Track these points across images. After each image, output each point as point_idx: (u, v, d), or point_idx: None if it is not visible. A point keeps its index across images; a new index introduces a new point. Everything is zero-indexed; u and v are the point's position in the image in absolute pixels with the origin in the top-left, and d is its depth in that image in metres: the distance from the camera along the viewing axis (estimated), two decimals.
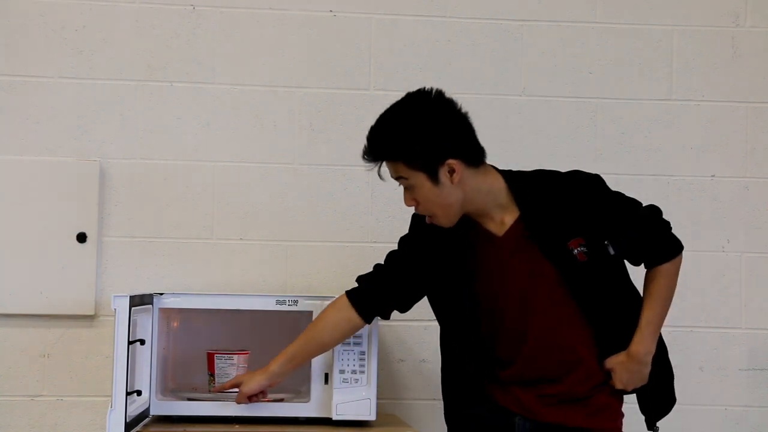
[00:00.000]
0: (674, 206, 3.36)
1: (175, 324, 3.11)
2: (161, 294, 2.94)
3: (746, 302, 3.39)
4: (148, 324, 2.87)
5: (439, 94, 2.57)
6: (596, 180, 2.64)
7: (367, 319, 2.75)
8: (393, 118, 2.56)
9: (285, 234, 3.31)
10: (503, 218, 2.61)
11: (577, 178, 2.63)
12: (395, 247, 3.22)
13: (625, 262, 2.67)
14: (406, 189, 2.58)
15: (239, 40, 3.33)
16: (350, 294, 2.74)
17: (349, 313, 2.73)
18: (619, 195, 2.66)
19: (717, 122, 3.43)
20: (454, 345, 2.69)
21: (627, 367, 2.59)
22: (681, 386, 3.37)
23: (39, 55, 3.27)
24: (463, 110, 2.58)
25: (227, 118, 3.32)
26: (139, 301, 2.77)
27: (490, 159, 3.37)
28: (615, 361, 2.59)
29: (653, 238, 2.63)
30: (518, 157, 3.36)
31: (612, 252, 2.60)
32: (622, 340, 2.61)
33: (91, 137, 3.27)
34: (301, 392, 2.96)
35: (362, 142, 3.32)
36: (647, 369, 2.61)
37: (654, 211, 2.66)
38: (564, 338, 2.59)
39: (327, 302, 2.91)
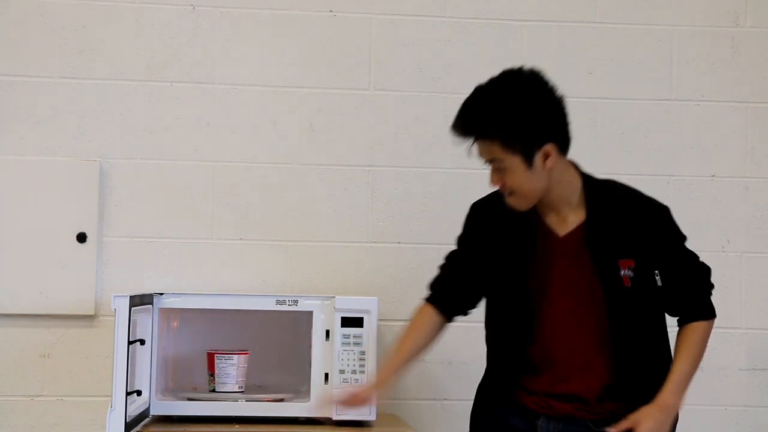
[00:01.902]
0: (674, 206, 3.34)
1: (175, 324, 3.12)
2: (161, 294, 2.94)
3: (746, 302, 3.39)
4: (148, 324, 2.87)
5: (539, 74, 2.50)
6: (666, 211, 2.61)
7: (450, 319, 2.71)
8: (493, 95, 2.47)
9: (285, 234, 3.31)
10: (569, 217, 2.55)
11: (650, 201, 2.60)
12: (395, 247, 3.25)
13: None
14: (495, 170, 2.50)
15: (239, 40, 3.33)
16: (431, 300, 2.70)
17: (436, 318, 2.68)
18: (682, 236, 2.63)
19: (717, 122, 3.43)
20: (495, 341, 2.65)
21: (654, 416, 2.48)
22: None
23: (39, 55, 3.27)
24: (559, 94, 2.51)
25: (227, 118, 3.32)
26: (139, 301, 2.77)
27: None
28: (643, 412, 2.48)
29: (698, 290, 2.61)
30: None
31: (659, 283, 2.55)
32: (637, 380, 2.53)
33: (91, 137, 3.27)
34: (301, 392, 2.96)
35: (362, 142, 3.34)
36: (669, 423, 2.52)
37: (707, 269, 2.64)
38: (586, 359, 2.53)
39: (327, 302, 2.92)
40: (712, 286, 2.66)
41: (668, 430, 2.52)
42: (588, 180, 2.59)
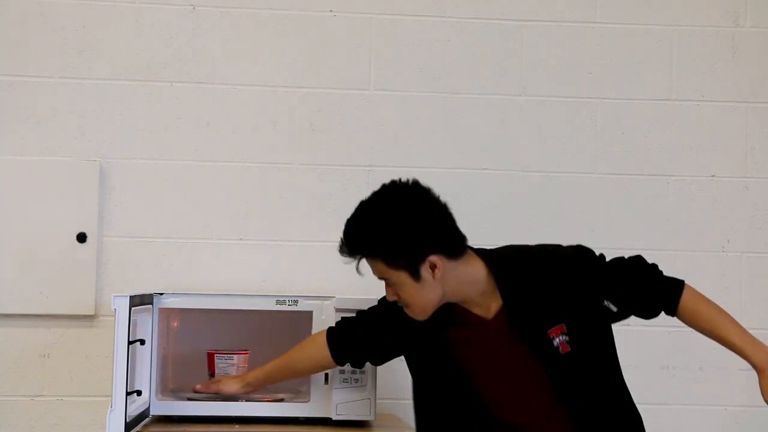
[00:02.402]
0: (674, 206, 3.37)
1: (175, 324, 3.11)
2: (161, 294, 2.94)
3: (746, 302, 3.39)
4: (148, 324, 2.87)
5: (416, 185, 2.50)
6: (577, 253, 2.57)
7: (340, 363, 2.74)
8: (371, 215, 2.49)
9: (285, 234, 3.31)
10: (489, 305, 2.53)
11: (558, 255, 2.56)
12: None
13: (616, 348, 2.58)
14: (388, 285, 2.52)
15: (239, 40, 3.33)
16: (329, 335, 2.73)
17: (325, 352, 2.73)
18: (602, 259, 2.58)
19: (717, 122, 3.43)
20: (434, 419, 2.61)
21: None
22: (681, 386, 3.38)
23: (39, 55, 3.27)
24: (441, 200, 2.51)
25: (227, 118, 3.32)
26: (139, 301, 2.77)
27: (492, 158, 3.37)
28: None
29: (652, 281, 2.57)
30: (518, 157, 3.36)
31: (614, 309, 2.51)
32: None
33: (91, 137, 3.27)
34: (301, 392, 2.96)
35: (362, 142, 3.34)
36: None
37: (639, 259, 2.59)
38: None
39: (327, 302, 2.92)
40: (655, 265, 2.60)
41: None
42: (493, 262, 2.53)
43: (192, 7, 3.32)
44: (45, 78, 3.27)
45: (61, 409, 3.22)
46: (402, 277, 2.47)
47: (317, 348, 2.75)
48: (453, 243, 2.49)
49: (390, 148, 3.34)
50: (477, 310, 2.54)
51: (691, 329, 3.36)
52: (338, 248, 2.54)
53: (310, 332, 2.92)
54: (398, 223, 2.45)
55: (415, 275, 2.46)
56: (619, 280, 2.55)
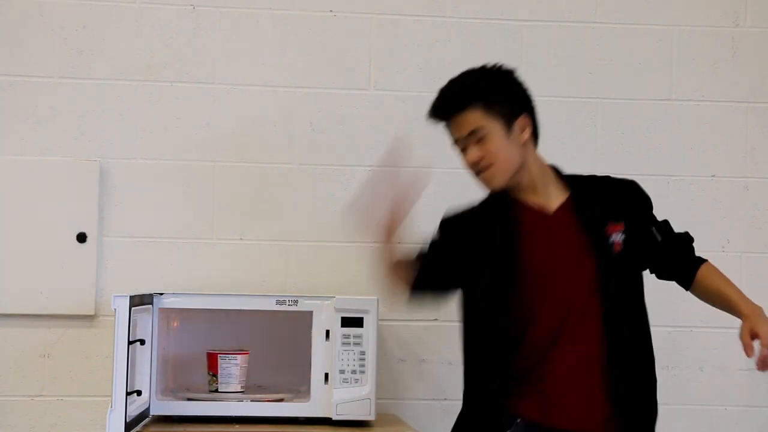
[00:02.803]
0: (674, 206, 3.36)
1: (175, 324, 3.12)
2: (161, 294, 2.94)
3: None
4: (148, 324, 2.87)
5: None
6: (637, 183, 2.68)
7: (414, 294, 2.71)
8: (472, 71, 2.61)
9: (285, 234, 3.31)
10: (551, 197, 2.60)
11: (620, 178, 2.68)
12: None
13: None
14: (473, 144, 2.56)
15: (239, 40, 3.33)
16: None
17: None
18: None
19: (717, 122, 3.43)
20: (479, 345, 2.65)
21: (762, 316, 2.48)
22: (681, 386, 3.38)
23: (39, 55, 3.28)
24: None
25: (227, 118, 3.32)
26: (139, 301, 2.77)
27: None
28: (756, 322, 2.46)
29: (690, 243, 2.67)
30: None
31: (659, 238, 2.61)
32: (625, 354, 2.52)
33: (91, 137, 3.27)
34: (301, 392, 2.96)
35: (362, 141, 3.34)
36: None
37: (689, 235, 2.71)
38: (589, 339, 2.52)
39: (327, 302, 2.92)
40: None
41: None
42: (557, 169, 2.67)
43: (192, 7, 3.32)
44: (45, 78, 3.27)
45: (61, 409, 3.22)
46: (495, 128, 2.54)
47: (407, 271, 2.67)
48: (538, 128, 2.62)
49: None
50: (540, 201, 2.59)
51: (690, 329, 3.38)
52: (429, 112, 2.61)
53: (310, 332, 2.92)
54: (503, 74, 2.61)
55: (509, 126, 2.54)
56: (666, 224, 2.66)
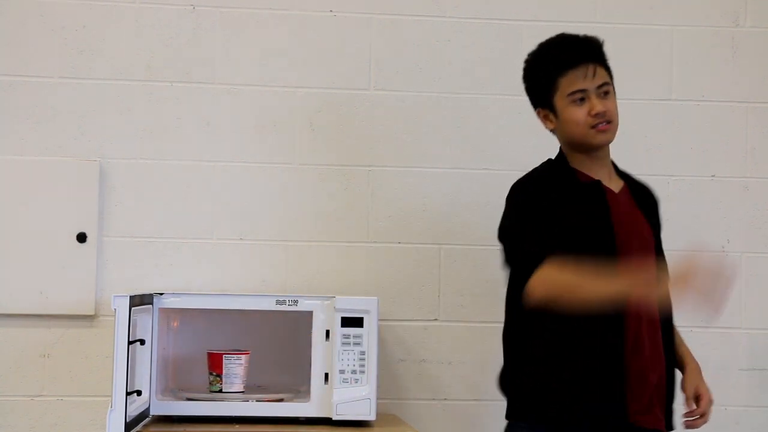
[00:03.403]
0: (674, 206, 3.36)
1: (175, 324, 3.12)
2: (161, 294, 2.94)
3: (746, 302, 3.39)
4: (148, 324, 2.87)
5: None
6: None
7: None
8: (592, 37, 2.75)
9: (285, 234, 3.31)
10: (614, 179, 2.76)
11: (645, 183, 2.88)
12: (394, 247, 3.25)
13: None
14: (599, 97, 2.66)
15: (239, 40, 3.33)
16: (539, 264, 2.58)
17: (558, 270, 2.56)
18: None
19: (717, 122, 3.43)
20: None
21: (704, 381, 2.79)
22: None
23: (39, 55, 3.27)
24: None
25: (227, 118, 3.32)
26: (139, 301, 2.77)
27: (491, 158, 3.37)
28: (700, 383, 2.76)
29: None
30: (518, 157, 3.36)
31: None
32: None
33: (91, 137, 3.27)
34: (301, 392, 2.96)
35: (362, 142, 3.33)
36: None
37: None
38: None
39: (327, 302, 2.92)
40: None
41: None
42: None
43: (192, 7, 3.32)
44: (45, 78, 3.27)
45: (61, 409, 3.22)
46: (613, 91, 2.71)
47: (556, 273, 2.55)
48: None
49: (390, 148, 3.35)
50: (606, 181, 2.73)
51: (690, 329, 3.37)
52: (572, 53, 2.69)
53: (310, 332, 2.92)
54: None
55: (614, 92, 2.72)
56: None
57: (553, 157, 2.79)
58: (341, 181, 3.33)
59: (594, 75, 2.66)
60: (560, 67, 2.67)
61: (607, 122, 2.67)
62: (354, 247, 3.31)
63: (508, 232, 2.72)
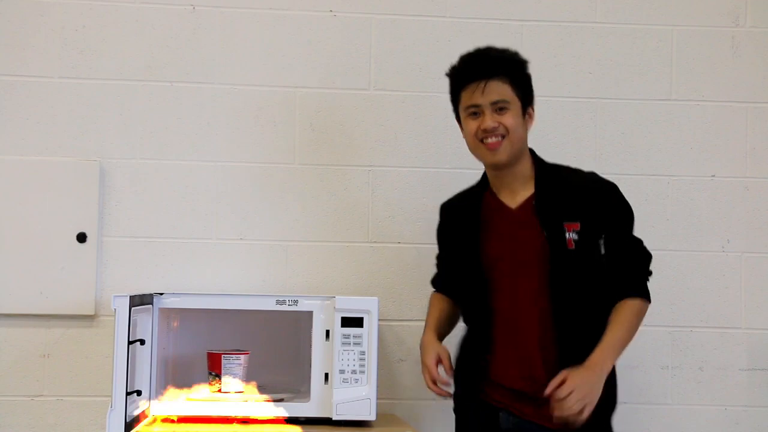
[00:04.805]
0: (674, 206, 3.36)
1: (175, 324, 3.12)
2: (161, 294, 2.94)
3: (746, 302, 3.39)
4: (148, 324, 2.87)
5: None
6: (615, 188, 2.78)
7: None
8: (502, 49, 2.79)
9: (285, 234, 3.31)
10: (519, 192, 2.76)
11: (599, 178, 2.80)
12: (395, 247, 3.26)
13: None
14: (495, 111, 2.70)
15: (239, 40, 3.33)
16: (433, 285, 3.03)
17: (447, 298, 2.96)
18: (630, 216, 2.78)
19: (717, 122, 3.43)
20: (466, 319, 2.89)
21: (582, 374, 2.58)
22: (681, 386, 3.38)
23: (39, 55, 3.28)
24: None
25: (227, 118, 3.32)
26: (139, 301, 2.77)
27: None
28: (572, 371, 2.59)
29: (636, 269, 2.74)
30: None
31: (602, 251, 2.71)
32: (578, 356, 2.64)
33: (91, 137, 3.27)
34: (301, 392, 2.97)
35: (362, 142, 3.34)
36: (600, 386, 2.60)
37: (648, 255, 2.78)
38: (533, 331, 2.71)
39: (327, 302, 2.92)
40: (650, 272, 2.77)
41: (598, 391, 2.59)
42: (539, 160, 2.82)
43: (192, 7, 3.32)
44: (45, 78, 3.27)
45: (61, 409, 3.22)
46: (515, 106, 2.72)
47: (443, 298, 2.96)
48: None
49: (390, 148, 3.35)
50: (506, 198, 2.78)
51: (691, 329, 3.38)
52: (465, 67, 2.76)
53: (310, 332, 2.92)
54: (524, 61, 2.80)
55: (524, 108, 2.75)
56: (623, 241, 2.75)
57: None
58: (341, 181, 3.33)
59: (485, 91, 2.70)
60: (459, 82, 2.76)
61: (500, 137, 2.70)
62: (354, 247, 3.32)
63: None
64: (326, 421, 2.89)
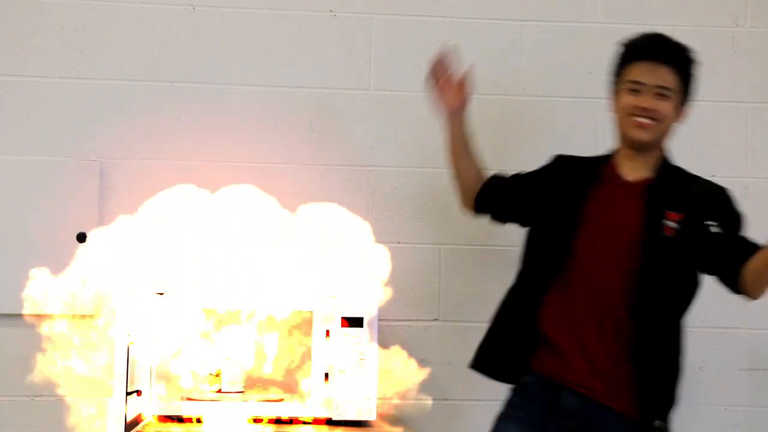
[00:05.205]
0: None
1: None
2: (161, 294, 2.94)
3: (746, 303, 3.38)
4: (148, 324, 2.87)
5: None
6: (727, 189, 2.84)
7: (477, 209, 3.01)
8: (682, 44, 2.81)
9: (285, 234, 3.31)
10: (640, 171, 2.80)
11: (714, 183, 2.86)
12: (395, 247, 3.25)
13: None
14: (656, 95, 2.75)
15: (239, 40, 3.33)
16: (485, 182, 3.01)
17: (477, 184, 3.00)
18: (742, 215, 2.85)
19: (717, 122, 3.43)
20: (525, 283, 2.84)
21: None
22: (681, 386, 3.37)
23: (39, 55, 3.28)
24: None
25: (227, 117, 3.32)
26: (139, 301, 2.77)
27: (491, 159, 3.38)
28: None
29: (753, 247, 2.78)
30: (518, 157, 3.36)
31: (714, 230, 2.74)
32: (651, 344, 2.69)
33: (91, 137, 3.27)
34: (301, 392, 2.97)
35: (362, 142, 3.34)
36: None
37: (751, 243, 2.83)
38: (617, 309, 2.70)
39: (327, 302, 2.92)
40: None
41: None
42: (667, 157, 2.87)
43: (192, 7, 3.32)
44: (45, 78, 3.27)
45: (61, 409, 3.22)
46: (675, 98, 2.77)
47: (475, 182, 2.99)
48: None
49: (390, 148, 3.35)
50: (626, 171, 2.81)
51: (691, 329, 3.37)
52: (644, 46, 2.79)
53: (310, 332, 2.92)
54: (696, 62, 2.83)
55: (681, 103, 2.79)
56: (736, 229, 2.82)
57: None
58: (341, 181, 3.33)
59: (659, 76, 2.74)
60: (631, 56, 2.80)
61: (650, 119, 2.74)
62: (354, 247, 3.31)
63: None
64: (326, 421, 2.89)
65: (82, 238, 3.23)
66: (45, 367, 3.22)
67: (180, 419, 2.89)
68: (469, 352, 3.29)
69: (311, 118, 3.33)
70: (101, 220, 3.25)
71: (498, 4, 3.39)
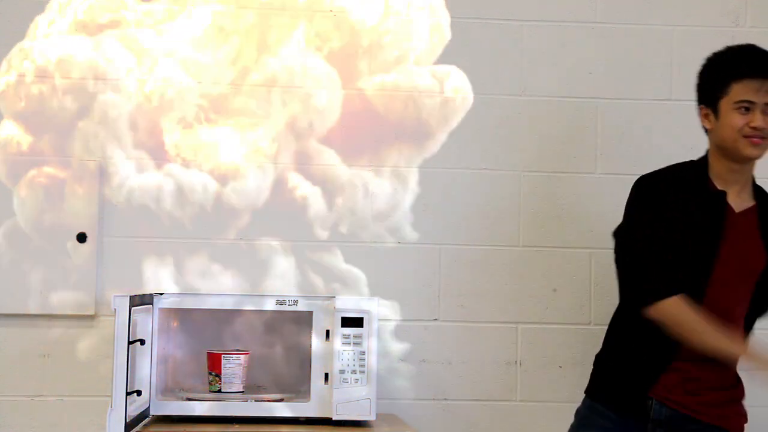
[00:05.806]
0: None
1: (175, 324, 3.11)
2: (161, 294, 2.94)
3: None
4: (148, 324, 2.87)
5: None
6: None
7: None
8: None
9: (286, 234, 3.31)
10: (742, 196, 2.79)
11: None
12: (396, 247, 3.24)
13: None
14: (763, 112, 2.71)
15: (242, 39, 3.33)
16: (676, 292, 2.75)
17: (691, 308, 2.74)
18: None
19: None
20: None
21: None
22: None
23: None
24: None
25: (227, 118, 3.31)
26: (139, 301, 2.77)
27: (491, 159, 3.37)
28: None
29: None
30: (519, 157, 3.36)
31: None
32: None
33: (91, 137, 3.27)
34: (301, 392, 2.96)
35: (363, 141, 3.33)
36: None
37: None
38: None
39: (327, 302, 2.92)
40: None
41: None
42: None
43: (192, 7, 3.32)
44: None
45: (61, 409, 3.22)
46: None
47: (682, 311, 2.73)
48: None
49: (392, 148, 3.34)
50: (732, 200, 2.78)
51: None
52: (756, 65, 2.72)
53: (310, 332, 2.92)
54: None
55: None
56: None
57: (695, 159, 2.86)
58: (342, 181, 3.32)
59: (765, 92, 2.71)
60: (738, 73, 2.72)
61: (762, 137, 2.72)
62: (354, 247, 3.31)
63: (633, 243, 2.80)
64: (326, 421, 2.89)
65: (82, 238, 3.23)
66: (45, 367, 3.22)
67: (180, 419, 2.89)
68: (470, 352, 3.29)
69: (312, 118, 3.33)
70: (101, 220, 3.25)
71: (498, 4, 3.38)
